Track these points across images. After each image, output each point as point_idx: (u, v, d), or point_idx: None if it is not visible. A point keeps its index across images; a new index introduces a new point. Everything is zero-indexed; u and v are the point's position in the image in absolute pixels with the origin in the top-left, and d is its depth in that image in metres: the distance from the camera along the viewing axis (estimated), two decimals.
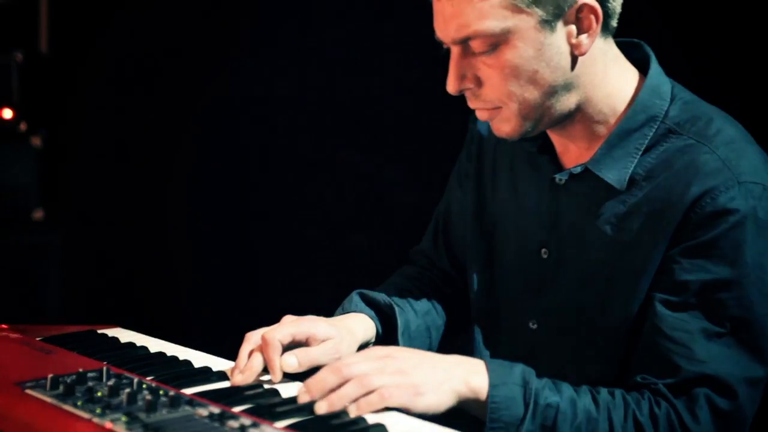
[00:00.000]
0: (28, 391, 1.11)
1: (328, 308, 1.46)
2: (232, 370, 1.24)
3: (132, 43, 3.10)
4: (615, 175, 1.29)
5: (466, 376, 1.16)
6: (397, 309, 1.43)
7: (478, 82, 1.27)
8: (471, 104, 1.31)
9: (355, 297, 1.45)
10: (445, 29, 1.25)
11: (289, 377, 1.25)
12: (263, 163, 2.94)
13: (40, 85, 3.02)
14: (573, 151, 1.36)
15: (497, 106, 1.28)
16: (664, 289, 1.24)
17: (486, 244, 1.47)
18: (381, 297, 1.45)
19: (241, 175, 2.99)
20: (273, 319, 1.35)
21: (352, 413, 1.09)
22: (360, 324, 1.39)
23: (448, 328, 1.53)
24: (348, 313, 1.42)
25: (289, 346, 1.27)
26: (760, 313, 1.22)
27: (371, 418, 1.07)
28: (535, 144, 1.39)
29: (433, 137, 2.47)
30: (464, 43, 1.25)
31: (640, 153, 1.28)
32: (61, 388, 1.11)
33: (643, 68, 1.34)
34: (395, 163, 2.66)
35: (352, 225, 2.74)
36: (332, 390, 1.11)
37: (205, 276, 3.02)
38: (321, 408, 1.09)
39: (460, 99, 1.32)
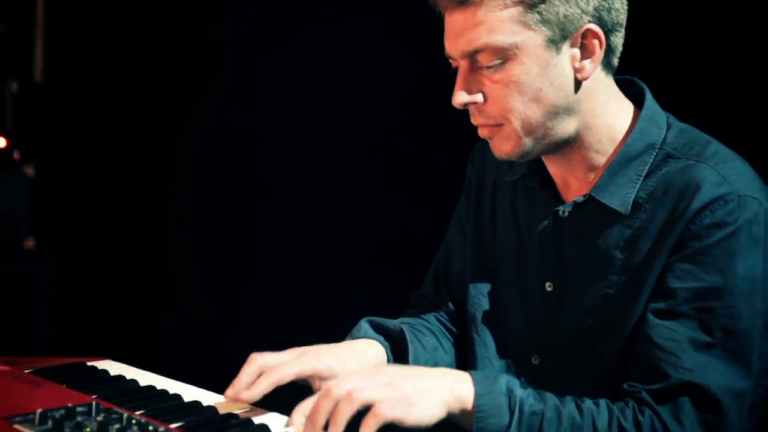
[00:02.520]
0: (17, 426, 1.10)
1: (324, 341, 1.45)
2: (232, 385, 1.25)
3: (126, 73, 3.11)
4: (619, 200, 1.32)
5: (452, 385, 1.19)
6: (408, 336, 1.43)
7: (483, 97, 1.30)
8: (474, 120, 1.34)
9: (363, 324, 1.46)
10: (455, 42, 1.29)
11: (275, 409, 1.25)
12: (257, 193, 2.94)
13: (34, 114, 3.03)
14: (573, 185, 1.39)
15: (499, 122, 1.31)
16: (656, 297, 1.27)
17: (487, 286, 1.48)
18: (391, 323, 1.46)
19: (235, 206, 2.99)
20: (269, 348, 1.34)
21: None
22: (370, 348, 1.40)
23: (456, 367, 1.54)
24: (357, 339, 1.43)
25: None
26: (748, 324, 1.24)
27: None
28: (535, 179, 1.42)
29: (433, 171, 2.48)
30: (472, 56, 1.29)
31: (642, 178, 1.32)
32: (50, 423, 1.10)
33: (636, 102, 1.39)
34: (390, 198, 2.66)
35: (351, 257, 2.74)
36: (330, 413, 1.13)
37: (196, 309, 3.00)
38: None
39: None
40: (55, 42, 3.29)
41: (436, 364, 1.49)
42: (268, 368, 1.28)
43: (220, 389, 1.31)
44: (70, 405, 1.14)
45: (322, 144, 2.82)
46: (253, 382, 1.27)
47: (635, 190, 1.32)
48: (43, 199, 2.93)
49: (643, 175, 1.32)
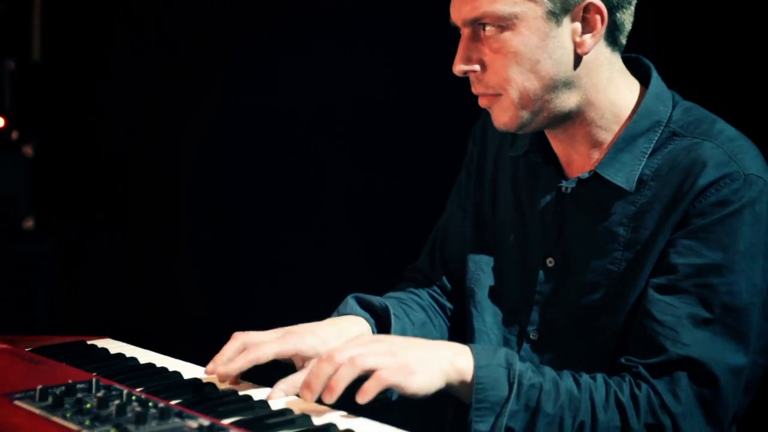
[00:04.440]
0: (17, 403, 1.11)
1: (322, 317, 1.46)
2: (213, 360, 1.27)
3: (125, 51, 3.11)
4: (623, 177, 1.33)
5: (452, 357, 1.20)
6: (392, 313, 1.44)
7: (483, 66, 1.31)
8: (474, 89, 1.35)
9: (350, 300, 1.46)
10: (459, 10, 1.31)
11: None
12: (257, 174, 2.94)
13: (33, 93, 3.02)
14: (577, 161, 1.40)
15: (498, 92, 1.32)
16: (657, 272, 1.28)
17: (487, 260, 1.49)
18: (376, 299, 1.46)
19: (235, 186, 3.00)
20: (264, 329, 1.35)
21: (360, 400, 1.11)
22: (354, 325, 1.41)
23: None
24: (342, 316, 1.43)
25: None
26: (747, 302, 1.25)
27: (342, 424, 1.09)
28: (539, 155, 1.43)
29: (430, 148, 2.48)
30: (474, 25, 1.30)
31: (647, 156, 1.33)
32: (50, 399, 1.10)
33: (642, 81, 1.39)
34: (389, 172, 2.66)
35: (346, 234, 2.74)
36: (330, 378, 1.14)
37: (195, 286, 3.01)
38: (326, 399, 1.12)
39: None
40: (53, 20, 3.27)
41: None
42: (249, 345, 1.28)
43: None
44: (70, 382, 1.15)
45: (319, 122, 2.82)
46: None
47: (640, 167, 1.32)
48: (42, 179, 2.92)
49: (649, 152, 1.32)
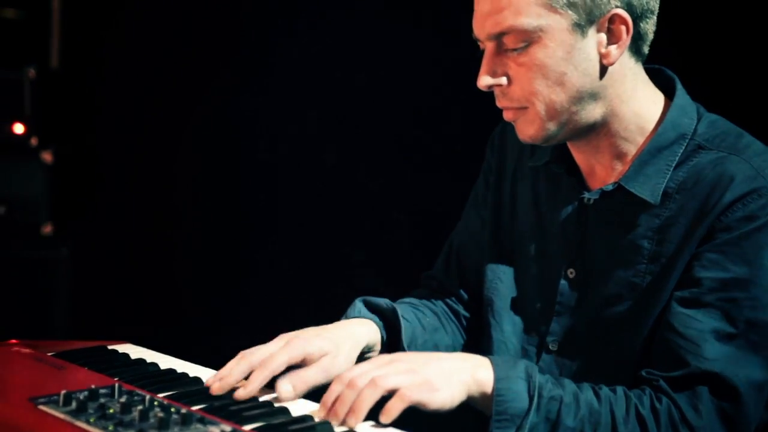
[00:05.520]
0: (42, 407, 1.12)
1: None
2: (220, 378, 1.24)
3: (142, 58, 3.13)
4: (648, 190, 1.32)
5: (472, 369, 1.20)
6: (401, 315, 1.44)
7: (508, 80, 1.31)
8: (498, 103, 1.35)
9: (358, 303, 1.46)
10: (482, 25, 1.30)
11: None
12: (269, 179, 2.96)
13: (51, 100, 3.05)
14: (599, 172, 1.39)
15: (524, 105, 1.32)
16: (681, 286, 1.27)
17: (505, 270, 1.49)
18: (384, 302, 1.46)
19: (252, 191, 3.01)
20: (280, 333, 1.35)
21: (384, 420, 1.12)
22: (362, 327, 1.40)
23: (461, 351, 1.54)
24: (351, 319, 1.43)
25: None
26: None
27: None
28: (561, 166, 1.42)
29: (446, 154, 2.49)
30: (498, 39, 1.29)
31: (672, 169, 1.32)
32: (74, 404, 1.12)
33: (666, 92, 1.38)
34: (403, 178, 2.67)
35: (360, 241, 2.75)
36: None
37: (213, 292, 3.03)
38: (350, 423, 1.12)
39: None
40: (71, 28, 3.30)
41: (435, 345, 1.50)
42: (257, 362, 1.26)
43: None
44: (93, 387, 1.16)
45: (334, 129, 2.83)
46: (243, 378, 1.26)
47: (665, 180, 1.31)
48: (60, 185, 2.95)
49: (674, 165, 1.32)
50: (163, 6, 3.07)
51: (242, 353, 1.29)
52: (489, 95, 1.36)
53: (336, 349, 1.30)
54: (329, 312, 1.50)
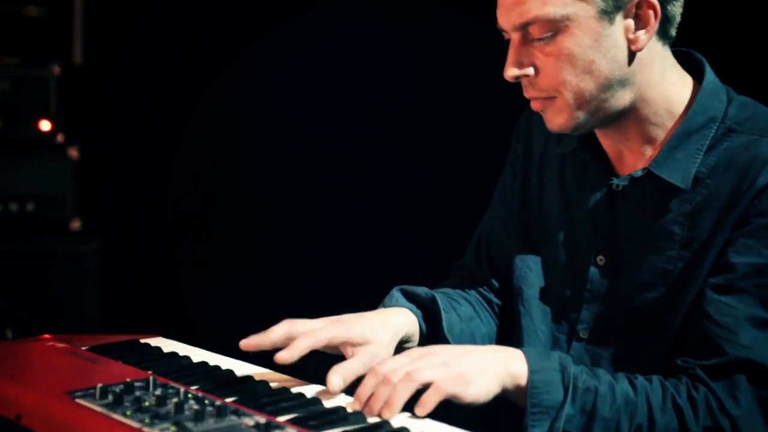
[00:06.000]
0: (78, 400, 1.14)
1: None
2: (255, 336, 1.27)
3: (165, 53, 3.15)
4: (679, 175, 1.30)
5: (505, 362, 1.20)
6: (440, 304, 1.44)
7: (535, 70, 1.30)
8: (526, 93, 1.34)
9: (395, 293, 1.46)
10: (507, 15, 1.29)
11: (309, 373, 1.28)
12: (300, 170, 2.98)
13: (76, 96, 3.07)
14: (628, 158, 1.38)
15: (552, 95, 1.31)
16: (715, 272, 1.26)
17: (533, 258, 1.48)
18: (422, 291, 1.46)
19: (277, 183, 3.03)
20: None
21: (420, 413, 1.12)
22: (401, 317, 1.40)
23: (495, 339, 1.54)
24: (388, 308, 1.43)
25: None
26: None
27: (396, 422, 1.11)
28: (588, 153, 1.41)
29: (471, 143, 2.48)
30: (524, 29, 1.28)
31: (702, 153, 1.30)
32: (110, 397, 1.13)
33: (695, 75, 1.36)
34: (431, 168, 2.67)
35: (389, 232, 2.76)
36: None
37: (242, 285, 3.05)
38: (385, 415, 1.12)
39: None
40: (94, 24, 3.32)
41: (471, 334, 1.49)
42: (299, 333, 1.28)
43: (268, 364, 1.33)
44: (128, 380, 1.17)
45: (356, 119, 2.84)
46: (281, 341, 1.27)
47: (696, 164, 1.30)
48: (87, 181, 2.98)
49: (704, 149, 1.30)
50: (185, 2, 3.09)
51: (286, 320, 1.30)
52: (516, 85, 1.35)
53: (376, 338, 1.31)
54: (366, 305, 1.50)
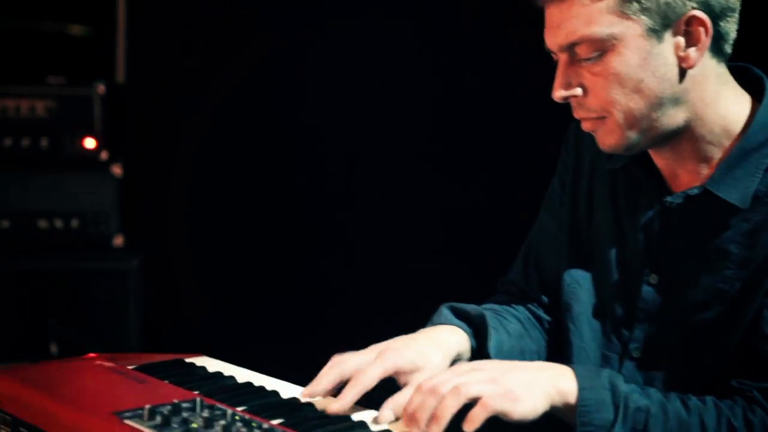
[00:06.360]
0: (127, 421, 1.14)
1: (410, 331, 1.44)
2: (311, 384, 1.26)
3: (206, 72, 3.18)
4: (737, 194, 1.28)
5: (554, 379, 1.18)
6: (489, 321, 1.42)
7: (583, 90, 1.28)
8: (576, 113, 1.33)
9: (444, 310, 1.44)
10: (553, 36, 1.28)
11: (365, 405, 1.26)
12: (341, 191, 2.98)
13: (119, 114, 3.12)
14: (682, 176, 1.35)
15: (602, 115, 1.29)
16: None
17: (583, 274, 1.46)
18: (472, 308, 1.44)
19: (324, 201, 3.04)
20: (357, 347, 1.35)
21: (467, 429, 1.11)
22: (452, 335, 1.39)
23: (546, 357, 1.52)
24: (437, 325, 1.42)
25: None
26: None
27: None
28: (641, 169, 1.39)
29: (509, 158, 2.47)
30: (571, 49, 1.27)
31: (762, 171, 1.27)
32: (159, 418, 1.13)
33: (753, 92, 1.34)
34: (474, 183, 2.66)
35: (434, 248, 2.75)
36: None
37: (286, 303, 3.06)
38: (433, 429, 1.11)
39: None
40: (136, 44, 3.37)
41: (521, 352, 1.47)
42: (349, 373, 1.27)
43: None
44: (176, 401, 1.17)
45: (398, 133, 2.84)
46: (333, 386, 1.27)
47: (755, 183, 1.27)
48: (130, 198, 3.01)
49: (764, 167, 1.27)
50: (226, 21, 3.12)
51: (334, 360, 1.30)
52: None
53: (427, 363, 1.30)
54: (412, 322, 1.49)
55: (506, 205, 2.48)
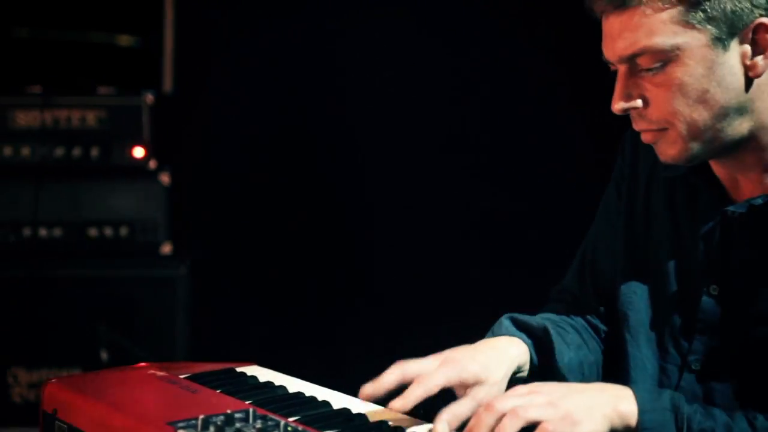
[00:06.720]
0: (181, 431, 1.15)
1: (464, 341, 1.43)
2: (372, 383, 1.27)
3: (252, 80, 3.21)
4: None
5: (614, 402, 1.15)
6: (552, 335, 1.40)
7: (644, 102, 1.26)
8: (636, 125, 1.30)
9: (505, 321, 1.43)
10: (613, 47, 1.25)
11: (418, 414, 1.25)
12: (391, 196, 2.98)
13: (167, 123, 3.16)
14: (744, 185, 1.32)
15: (663, 127, 1.26)
16: None
17: (640, 284, 1.43)
18: (534, 320, 1.42)
19: (369, 209, 3.04)
20: (407, 355, 1.35)
21: None
22: (514, 348, 1.38)
23: (603, 367, 1.50)
24: (498, 336, 1.41)
25: None
26: None
27: None
28: (700, 178, 1.36)
29: (563, 167, 2.44)
30: (631, 60, 1.24)
31: None
32: (212, 429, 1.13)
33: None
34: (521, 192, 2.64)
35: (483, 255, 2.73)
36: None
37: (333, 312, 3.06)
38: None
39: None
40: (184, 54, 3.42)
41: (580, 363, 1.45)
42: (411, 376, 1.27)
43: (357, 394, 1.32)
44: (229, 411, 1.17)
45: (445, 139, 2.83)
46: (394, 388, 1.27)
47: None
48: (178, 206, 3.05)
49: None
50: (272, 30, 3.15)
51: (398, 363, 1.30)
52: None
53: (490, 377, 1.29)
54: (465, 329, 1.48)
55: (555, 211, 2.46)
